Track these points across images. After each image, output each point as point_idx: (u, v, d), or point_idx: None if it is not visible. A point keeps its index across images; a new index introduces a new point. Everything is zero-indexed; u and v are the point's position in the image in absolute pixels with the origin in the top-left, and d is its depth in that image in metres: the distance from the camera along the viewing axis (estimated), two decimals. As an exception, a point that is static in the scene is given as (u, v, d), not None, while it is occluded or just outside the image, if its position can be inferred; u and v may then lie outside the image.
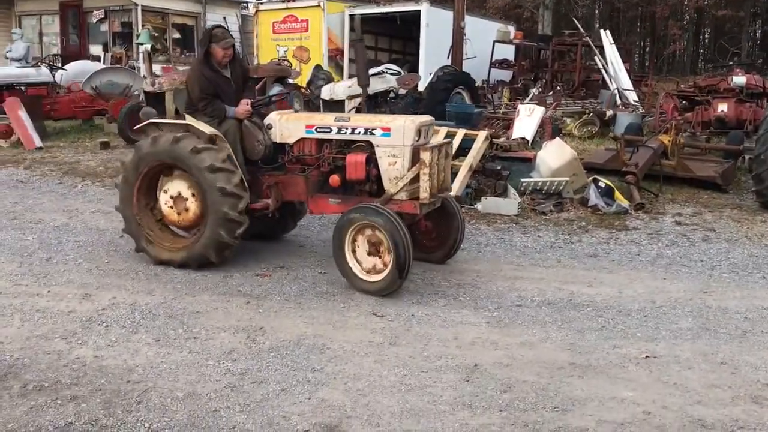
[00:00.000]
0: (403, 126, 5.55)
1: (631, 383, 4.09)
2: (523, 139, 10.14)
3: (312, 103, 14.24)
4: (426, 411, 3.75)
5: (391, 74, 11.24)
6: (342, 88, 10.24)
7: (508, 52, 19.10)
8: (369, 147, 5.69)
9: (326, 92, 10.38)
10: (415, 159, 5.54)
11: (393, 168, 5.59)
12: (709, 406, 3.82)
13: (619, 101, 15.39)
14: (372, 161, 5.67)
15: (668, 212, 8.22)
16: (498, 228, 7.69)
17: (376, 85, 10.52)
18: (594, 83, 17.63)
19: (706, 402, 3.86)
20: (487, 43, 17.43)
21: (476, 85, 14.11)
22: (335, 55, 17.78)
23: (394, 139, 5.57)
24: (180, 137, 5.78)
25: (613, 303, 5.45)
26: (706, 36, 39.44)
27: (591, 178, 8.66)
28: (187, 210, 5.97)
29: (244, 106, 5.98)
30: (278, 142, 6.04)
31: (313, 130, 5.89)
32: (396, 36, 19.31)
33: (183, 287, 5.62)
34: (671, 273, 6.26)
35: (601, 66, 16.41)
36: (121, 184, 6.19)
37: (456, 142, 8.81)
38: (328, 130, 5.84)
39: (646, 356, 4.46)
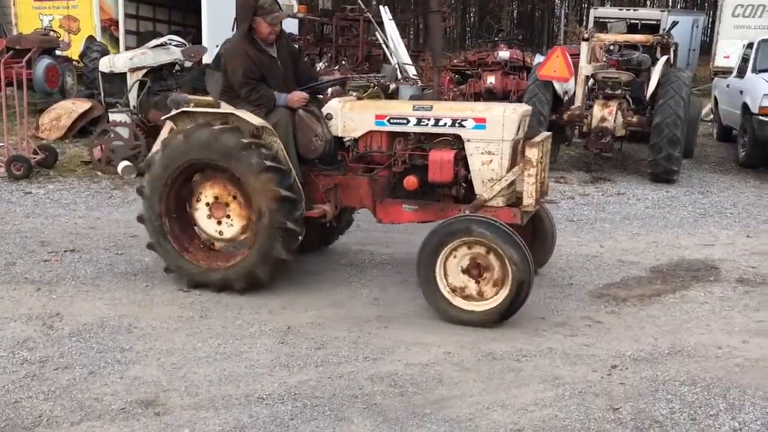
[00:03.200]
0: (503, 116, 4.63)
1: (432, 329, 4.47)
2: (315, 111, 10.30)
3: (86, 76, 13.24)
4: (244, 375, 3.81)
5: (176, 46, 10.79)
6: (123, 60, 9.62)
7: (292, 26, 19.15)
8: (456, 142, 4.79)
9: (105, 65, 9.69)
10: (513, 156, 4.73)
11: (487, 168, 4.67)
12: (499, 341, 4.30)
13: (400, 75, 16.20)
14: (460, 159, 4.78)
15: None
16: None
17: (160, 57, 10.03)
18: (376, 58, 18.35)
19: (497, 338, 4.34)
20: (272, 16, 17.37)
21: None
22: (109, 26, 16.62)
23: (491, 133, 4.64)
24: (217, 131, 4.73)
25: (410, 259, 5.82)
26: (472, 15, 42.64)
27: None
28: (229, 217, 4.96)
29: (299, 92, 4.97)
30: (340, 135, 5.05)
31: (385, 121, 4.89)
32: (175, 7, 18.49)
33: (-43, 279, 5.07)
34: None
35: (382, 41, 17.10)
36: (148, 188, 4.98)
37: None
38: (405, 121, 4.84)
39: (443, 304, 4.88)
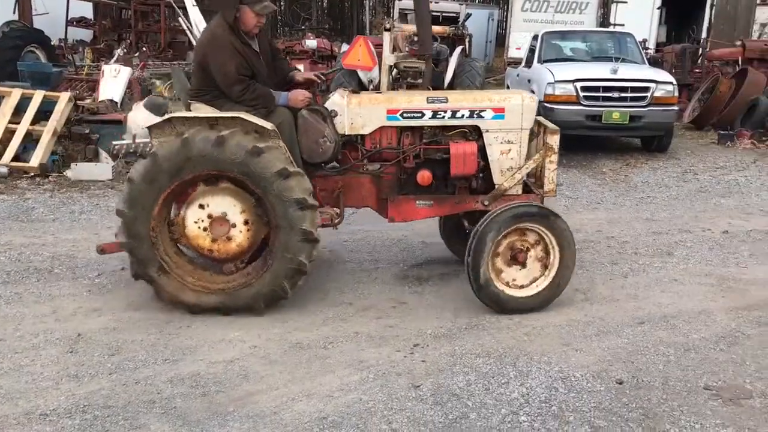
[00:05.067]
0: (522, 105, 4.65)
1: (237, 324, 4.33)
2: (111, 100, 9.67)
3: None
4: (24, 392, 3.45)
5: (-59, 28, 9.60)
6: None
7: (86, 10, 17.82)
8: (473, 133, 4.69)
9: None
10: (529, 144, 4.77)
11: (506, 157, 4.68)
12: (306, 330, 4.27)
13: (207, 63, 15.66)
14: (479, 150, 4.65)
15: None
16: (92, 194, 7.28)
17: None
18: (182, 45, 17.60)
19: (303, 327, 4.31)
20: (61, -2, 16.02)
21: (52, 43, 12.91)
22: None
23: (510, 122, 4.64)
24: (260, 149, 4.13)
25: (216, 254, 5.64)
26: (282, 3, 42.27)
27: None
28: (229, 239, 4.32)
29: (301, 90, 4.54)
30: (347, 134, 4.62)
31: (398, 116, 4.61)
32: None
33: None
34: (266, 220, 6.73)
35: (186, 27, 16.41)
36: (139, 183, 4.21)
37: (35, 105, 8.02)
38: (420, 114, 4.63)
39: (249, 297, 4.76)
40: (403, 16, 18.62)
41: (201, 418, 3.28)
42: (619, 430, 3.21)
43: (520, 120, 4.68)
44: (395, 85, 9.99)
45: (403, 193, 4.80)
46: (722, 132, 11.52)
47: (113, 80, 10.35)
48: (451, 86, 9.40)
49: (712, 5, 19.54)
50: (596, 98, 9.62)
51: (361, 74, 9.37)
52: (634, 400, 3.46)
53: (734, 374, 3.73)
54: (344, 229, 6.39)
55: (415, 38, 11.76)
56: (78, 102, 8.68)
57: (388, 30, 9.78)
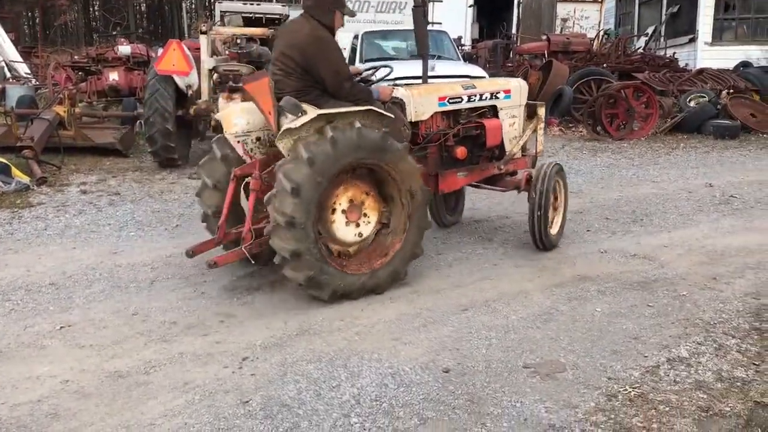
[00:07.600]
0: (519, 86, 5.77)
1: (46, 358, 3.96)
2: None
3: None
4: None
5: None
6: None
7: None
8: (491, 111, 5.62)
9: None
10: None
11: (512, 128, 5.73)
12: (124, 356, 3.98)
13: (8, 74, 14.43)
14: None
15: (73, 182, 8.16)
16: None
17: None
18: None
19: (121, 354, 4.02)
20: None
21: None
22: None
23: (514, 100, 5.70)
24: (363, 127, 4.51)
25: (21, 283, 5.15)
26: (96, 8, 39.85)
27: (-19, 157, 7.93)
28: (358, 225, 4.76)
29: (386, 85, 5.12)
30: (412, 120, 5.23)
31: (446, 102, 5.37)
32: None
33: None
34: (81, 241, 6.25)
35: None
36: (306, 187, 4.33)
37: None
38: (460, 99, 5.44)
39: (61, 327, 4.38)
40: (223, 19, 18.16)
41: (2, 470, 2.95)
42: (447, 419, 3.28)
43: (519, 98, 5.78)
44: (217, 89, 9.68)
45: (445, 168, 5.49)
46: (534, 121, 12.31)
47: None
48: (276, 87, 9.26)
49: (518, 3, 20.91)
50: (417, 95, 9.90)
51: (177, 80, 8.94)
52: (460, 386, 3.56)
53: (550, 350, 3.96)
54: (170, 243, 6.11)
55: (238, 40, 11.46)
56: None
57: (205, 33, 9.45)
